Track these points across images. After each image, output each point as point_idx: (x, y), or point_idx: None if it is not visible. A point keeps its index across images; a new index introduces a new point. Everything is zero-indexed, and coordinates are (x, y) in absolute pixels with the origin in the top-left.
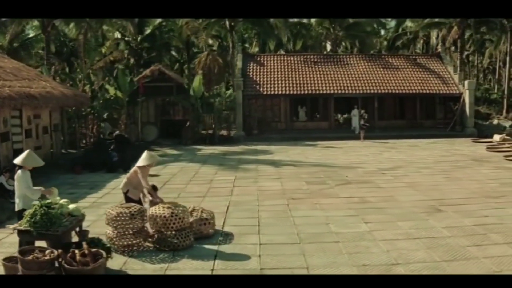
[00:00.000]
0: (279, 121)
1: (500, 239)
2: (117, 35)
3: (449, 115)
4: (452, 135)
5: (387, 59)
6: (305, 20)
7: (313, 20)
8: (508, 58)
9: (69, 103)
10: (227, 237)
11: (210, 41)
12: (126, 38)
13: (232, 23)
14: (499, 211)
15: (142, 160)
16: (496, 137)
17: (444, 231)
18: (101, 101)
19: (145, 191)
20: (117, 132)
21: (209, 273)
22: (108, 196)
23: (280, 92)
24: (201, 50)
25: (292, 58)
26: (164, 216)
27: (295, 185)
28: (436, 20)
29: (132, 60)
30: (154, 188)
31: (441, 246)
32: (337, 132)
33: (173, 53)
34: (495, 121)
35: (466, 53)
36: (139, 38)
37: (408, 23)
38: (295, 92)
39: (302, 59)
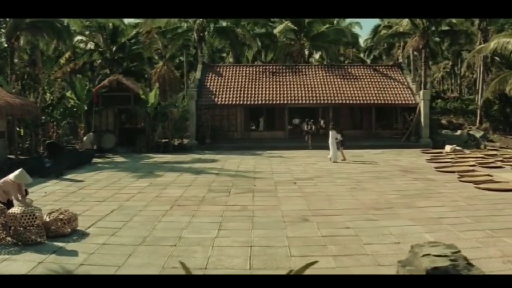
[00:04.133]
0: (235, 130)
1: (334, 250)
2: (90, 45)
3: (407, 125)
4: (406, 145)
5: (347, 69)
6: (271, 30)
7: (277, 30)
8: (481, 68)
9: (14, 111)
10: (82, 237)
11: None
12: (100, 49)
13: (201, 34)
14: (366, 222)
15: (14, 176)
16: (447, 148)
17: (284, 241)
18: (61, 110)
19: (14, 198)
20: (49, 141)
21: (35, 265)
22: None
23: (234, 103)
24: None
25: (251, 69)
26: (16, 214)
27: (195, 193)
28: (401, 30)
29: (107, 70)
30: (26, 192)
31: (264, 254)
32: (292, 141)
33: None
34: (458, 132)
35: (449, 63)
36: (113, 49)
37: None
38: (249, 103)
39: (261, 69)
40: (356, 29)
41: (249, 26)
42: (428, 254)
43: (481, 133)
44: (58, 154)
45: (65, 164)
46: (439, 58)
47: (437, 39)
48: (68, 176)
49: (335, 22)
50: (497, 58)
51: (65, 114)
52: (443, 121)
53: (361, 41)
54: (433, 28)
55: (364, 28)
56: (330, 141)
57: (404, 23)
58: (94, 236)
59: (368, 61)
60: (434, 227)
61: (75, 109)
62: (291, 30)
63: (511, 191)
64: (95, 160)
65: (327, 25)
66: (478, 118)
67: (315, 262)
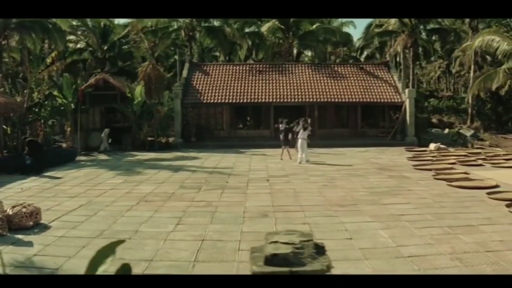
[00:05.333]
0: (221, 129)
1: None
2: (81, 45)
3: (393, 123)
4: (391, 144)
5: (333, 67)
6: (263, 29)
7: (264, 28)
8: (472, 67)
9: None
10: (43, 229)
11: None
12: (90, 48)
13: (191, 33)
14: (325, 219)
15: None
16: (431, 146)
17: (238, 235)
18: (48, 109)
19: None
20: (29, 138)
21: None
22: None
23: (220, 101)
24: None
25: (238, 68)
26: None
27: (165, 189)
28: (390, 28)
29: (99, 70)
30: None
31: (213, 248)
32: (278, 140)
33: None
34: (446, 130)
35: (443, 62)
36: (104, 48)
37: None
38: (235, 101)
39: (247, 68)
40: (349, 29)
41: (236, 24)
42: (276, 242)
43: (472, 131)
44: (38, 152)
45: (45, 161)
46: (433, 58)
47: (426, 37)
48: (48, 174)
49: (326, 21)
50: (488, 57)
51: (52, 113)
52: (434, 120)
53: (355, 40)
54: (421, 27)
55: (358, 27)
56: (300, 142)
57: (392, 22)
58: (55, 229)
59: (362, 60)
60: (392, 224)
61: (62, 108)
62: (278, 28)
63: (483, 188)
64: (79, 158)
65: (316, 24)
66: (469, 116)
67: (122, 241)
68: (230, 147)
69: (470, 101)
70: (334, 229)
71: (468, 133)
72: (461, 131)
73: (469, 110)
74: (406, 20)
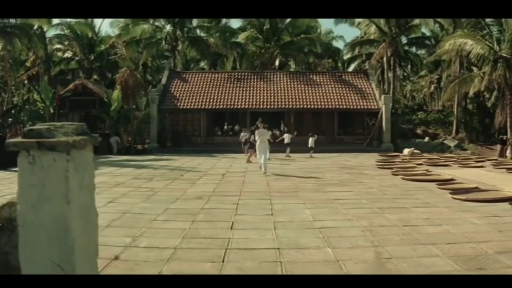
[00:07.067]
0: (198, 135)
1: (200, 218)
2: (68, 54)
3: (370, 130)
4: (367, 150)
5: (311, 76)
6: (239, 39)
7: (242, 37)
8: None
9: None
10: None
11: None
12: (77, 58)
13: (174, 43)
14: (257, 201)
15: None
16: (405, 151)
17: (160, 211)
18: (28, 113)
19: None
20: None
21: None
22: None
23: (197, 107)
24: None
25: (216, 75)
26: None
27: (118, 180)
28: (372, 37)
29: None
30: None
31: (132, 219)
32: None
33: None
34: (426, 139)
35: (435, 77)
36: (91, 58)
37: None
38: (211, 107)
39: (226, 76)
40: (338, 43)
41: (218, 34)
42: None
43: (456, 142)
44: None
45: (13, 157)
46: (423, 72)
47: (408, 47)
48: (16, 168)
49: (314, 31)
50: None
51: (31, 117)
52: (418, 131)
53: (344, 52)
54: (403, 37)
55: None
56: (260, 146)
57: (372, 30)
58: None
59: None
60: (321, 205)
61: (41, 112)
62: (257, 37)
63: (436, 181)
64: None
65: (302, 36)
66: (454, 127)
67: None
68: (205, 152)
69: (455, 111)
70: (259, 208)
71: (452, 143)
72: (445, 141)
73: (454, 121)
74: (386, 28)
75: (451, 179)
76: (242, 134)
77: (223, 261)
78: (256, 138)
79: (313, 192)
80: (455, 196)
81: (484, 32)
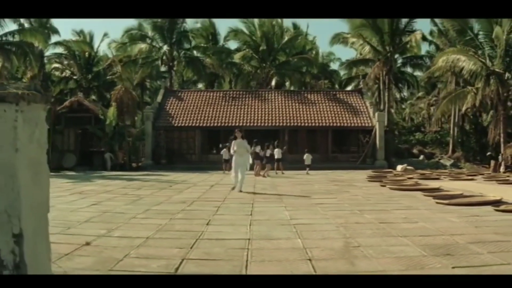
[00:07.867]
0: (193, 153)
1: (179, 216)
2: (65, 74)
3: (363, 148)
4: (361, 167)
5: (306, 95)
6: (235, 59)
7: (238, 57)
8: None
9: None
10: None
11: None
12: (75, 77)
13: (170, 64)
14: (238, 205)
15: None
16: (398, 167)
17: (140, 211)
18: None
19: None
20: None
21: None
22: None
23: (191, 124)
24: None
25: (212, 94)
26: None
27: (107, 188)
28: (367, 56)
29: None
30: None
31: (111, 217)
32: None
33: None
34: (421, 157)
35: (433, 98)
36: (89, 77)
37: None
38: (206, 125)
39: (221, 94)
40: (335, 64)
41: (215, 55)
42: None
43: (452, 161)
44: None
45: None
46: (421, 93)
47: (403, 66)
48: None
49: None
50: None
51: None
52: (415, 150)
53: (341, 73)
54: (397, 55)
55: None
56: (238, 159)
57: (367, 50)
58: None
59: None
60: (302, 208)
61: None
62: (252, 57)
63: (422, 190)
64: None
65: (298, 56)
66: (451, 147)
67: None
68: (198, 169)
69: (452, 131)
70: (240, 211)
71: (448, 162)
72: (441, 161)
73: (451, 141)
74: (380, 48)
75: (438, 188)
76: (223, 150)
77: (191, 248)
78: (233, 150)
79: (297, 198)
80: (438, 201)
81: (477, 49)
